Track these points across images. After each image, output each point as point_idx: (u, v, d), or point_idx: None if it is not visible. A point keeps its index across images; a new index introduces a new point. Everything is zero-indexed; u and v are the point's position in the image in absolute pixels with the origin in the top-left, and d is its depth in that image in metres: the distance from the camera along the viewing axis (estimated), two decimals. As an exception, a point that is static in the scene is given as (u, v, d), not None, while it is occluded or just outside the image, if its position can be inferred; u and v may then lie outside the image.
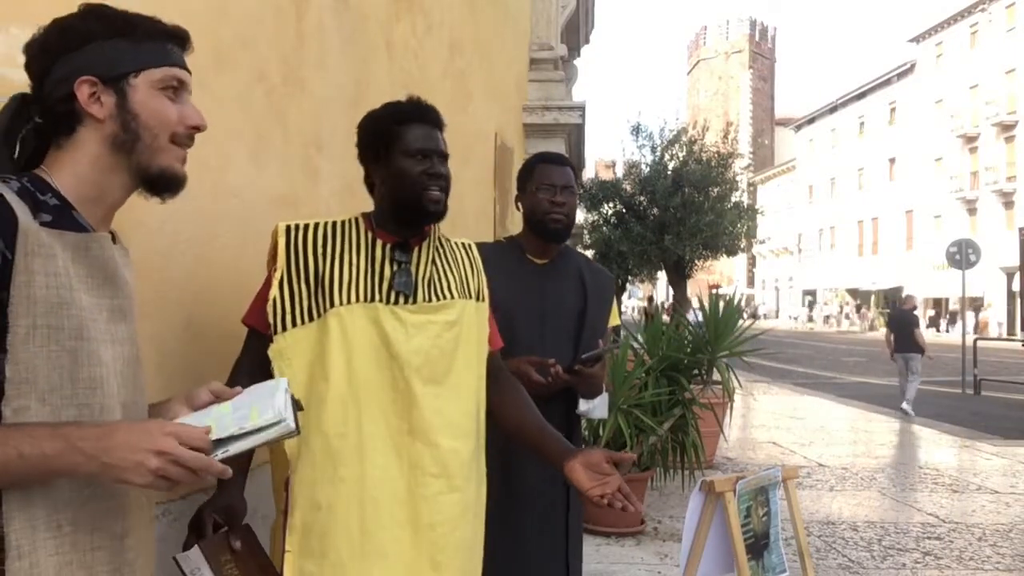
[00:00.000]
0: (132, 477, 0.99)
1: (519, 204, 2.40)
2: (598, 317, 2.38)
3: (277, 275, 1.67)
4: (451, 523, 1.65)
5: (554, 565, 2.27)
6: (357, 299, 1.65)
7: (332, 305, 1.64)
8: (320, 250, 1.68)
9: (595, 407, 2.27)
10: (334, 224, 1.74)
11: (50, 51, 1.14)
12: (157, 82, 1.18)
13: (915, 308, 11.62)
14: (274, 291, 1.65)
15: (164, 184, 1.19)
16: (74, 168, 1.14)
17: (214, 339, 1.87)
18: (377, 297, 1.66)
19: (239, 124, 2.06)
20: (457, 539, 1.66)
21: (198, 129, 1.22)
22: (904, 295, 12.98)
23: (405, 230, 1.74)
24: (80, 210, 1.13)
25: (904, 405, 10.80)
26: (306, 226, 1.72)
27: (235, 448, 1.10)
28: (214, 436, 1.08)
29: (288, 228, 1.71)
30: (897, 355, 11.05)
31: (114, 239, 1.21)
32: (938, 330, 38.82)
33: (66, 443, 0.98)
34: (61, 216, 1.09)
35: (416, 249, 1.74)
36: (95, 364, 1.08)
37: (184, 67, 1.22)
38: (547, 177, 2.29)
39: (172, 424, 1.05)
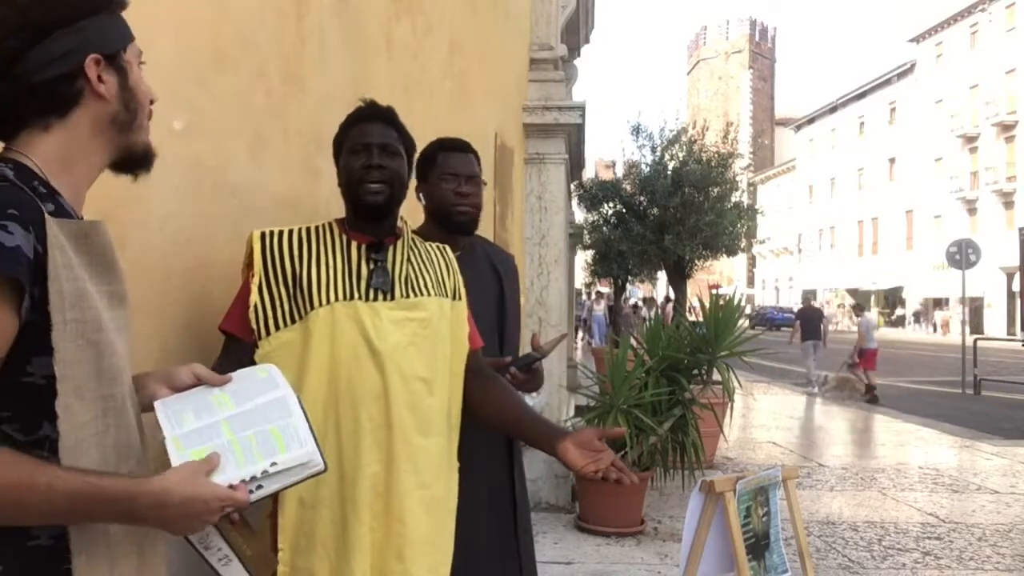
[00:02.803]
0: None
1: (420, 195, 2.23)
2: (513, 301, 2.34)
3: (255, 280, 1.69)
4: (417, 518, 1.68)
5: (504, 545, 2.17)
6: (337, 298, 1.68)
7: (312, 306, 1.67)
8: (296, 253, 1.71)
9: (539, 400, 2.24)
10: (308, 229, 1.77)
11: (32, 27, 1.03)
12: (138, 56, 1.15)
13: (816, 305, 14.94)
14: (254, 297, 1.68)
15: (146, 161, 1.16)
16: (64, 151, 1.07)
17: (214, 339, 1.87)
18: (356, 295, 1.69)
19: (239, 124, 2.06)
20: (423, 534, 1.69)
21: (153, 103, 1.19)
22: (808, 299, 15.11)
23: (374, 229, 1.77)
24: (64, 196, 1.07)
25: (814, 388, 12.85)
26: (280, 232, 1.75)
27: (267, 490, 1.11)
28: (246, 474, 1.08)
29: (263, 235, 1.74)
30: (806, 342, 13.57)
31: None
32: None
33: (119, 513, 1.00)
34: (54, 205, 1.04)
35: (391, 248, 1.78)
36: (112, 354, 1.06)
37: None
38: (450, 166, 2.16)
39: (222, 493, 1.05)
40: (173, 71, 1.68)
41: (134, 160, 1.15)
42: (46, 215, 0.98)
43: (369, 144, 1.75)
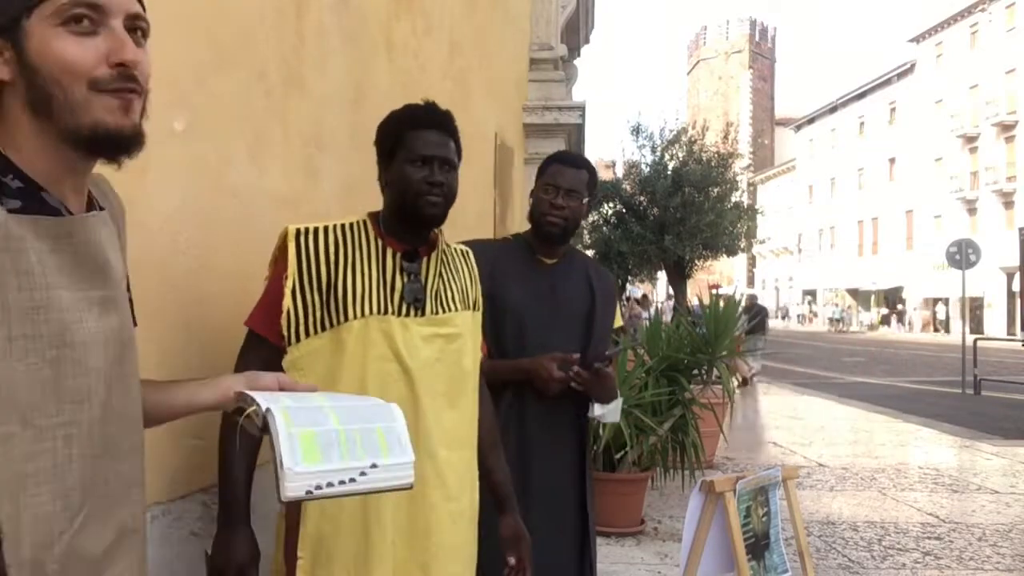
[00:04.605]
0: None
1: (530, 199, 2.39)
2: (605, 320, 2.38)
3: (289, 283, 1.63)
4: (444, 530, 1.68)
5: (568, 565, 2.27)
6: (372, 311, 1.64)
7: (347, 318, 1.63)
8: (332, 258, 1.66)
9: (609, 411, 2.28)
10: (343, 228, 1.71)
11: None
12: (51, 17, 0.91)
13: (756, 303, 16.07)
14: (287, 302, 1.63)
15: (102, 145, 0.94)
16: (14, 140, 0.93)
17: (215, 339, 1.87)
18: (390, 310, 1.66)
19: (239, 124, 2.05)
20: (448, 545, 1.69)
21: (125, 66, 0.93)
22: (751, 293, 16.68)
23: (411, 236, 1.73)
24: (49, 189, 0.94)
25: (754, 379, 13.75)
26: (315, 230, 1.68)
27: (356, 488, 1.06)
28: (348, 468, 1.04)
29: (298, 233, 1.67)
30: (748, 336, 14.29)
31: (92, 203, 1.04)
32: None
33: None
34: (30, 200, 0.91)
35: (425, 260, 1.75)
36: (80, 374, 0.92)
37: None
38: (553, 177, 2.28)
39: None
40: (173, 71, 1.68)
41: (88, 146, 0.94)
42: None
43: (432, 158, 1.70)
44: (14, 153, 0.93)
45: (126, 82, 0.94)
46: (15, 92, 0.93)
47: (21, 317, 0.86)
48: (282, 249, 1.68)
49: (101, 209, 1.04)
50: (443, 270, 1.78)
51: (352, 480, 1.06)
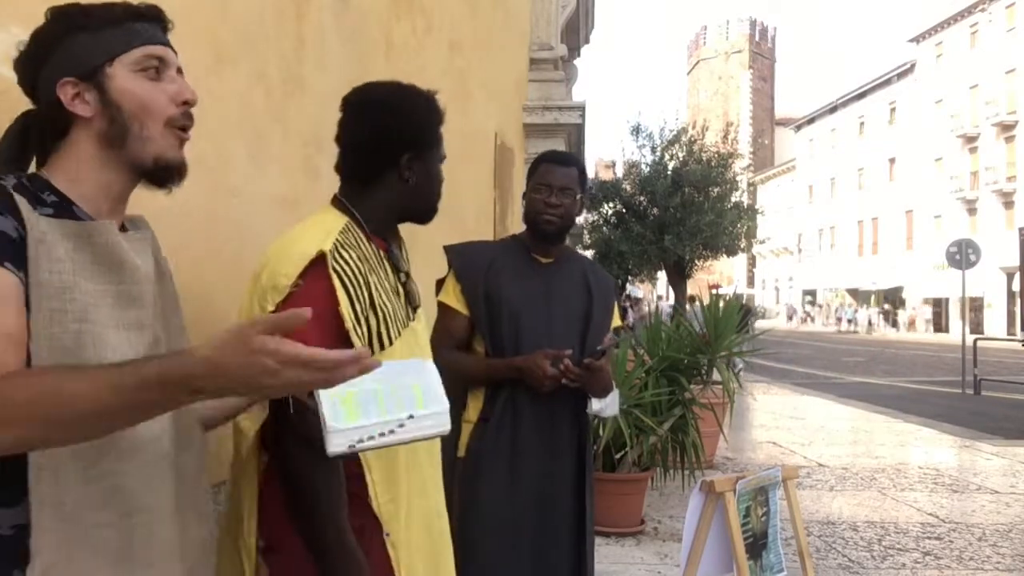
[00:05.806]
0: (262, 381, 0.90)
1: (523, 200, 2.41)
2: (602, 319, 2.39)
3: (348, 322, 1.42)
4: (446, 526, 1.68)
5: (561, 567, 2.27)
6: (402, 328, 1.53)
7: (391, 342, 1.48)
8: (365, 278, 1.48)
9: (607, 405, 2.28)
10: (347, 235, 1.52)
11: (31, 62, 1.14)
12: (133, 64, 1.13)
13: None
14: (357, 343, 1.42)
15: (163, 174, 1.16)
16: (70, 169, 1.13)
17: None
18: (405, 320, 1.56)
19: (239, 124, 2.06)
20: (447, 540, 1.68)
21: (189, 104, 1.16)
22: (736, 293, 16.67)
23: (390, 232, 1.65)
24: (82, 206, 1.12)
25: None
26: (340, 250, 1.47)
27: (396, 439, 1.18)
28: (387, 420, 1.16)
29: (333, 258, 1.44)
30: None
31: (125, 226, 1.20)
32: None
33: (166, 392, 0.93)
34: (60, 211, 1.09)
35: (401, 252, 1.66)
36: (100, 346, 1.07)
37: (161, 43, 1.17)
38: (545, 177, 2.30)
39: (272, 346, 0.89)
40: (173, 71, 1.68)
41: (150, 175, 1.15)
42: (26, 211, 1.03)
43: (444, 158, 1.67)
44: (56, 177, 1.12)
45: (189, 120, 1.17)
46: (88, 127, 1.12)
47: (52, 294, 1.04)
48: (309, 277, 1.43)
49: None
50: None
51: (392, 432, 1.18)
